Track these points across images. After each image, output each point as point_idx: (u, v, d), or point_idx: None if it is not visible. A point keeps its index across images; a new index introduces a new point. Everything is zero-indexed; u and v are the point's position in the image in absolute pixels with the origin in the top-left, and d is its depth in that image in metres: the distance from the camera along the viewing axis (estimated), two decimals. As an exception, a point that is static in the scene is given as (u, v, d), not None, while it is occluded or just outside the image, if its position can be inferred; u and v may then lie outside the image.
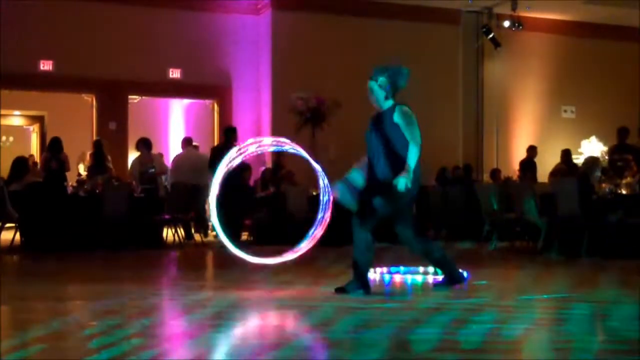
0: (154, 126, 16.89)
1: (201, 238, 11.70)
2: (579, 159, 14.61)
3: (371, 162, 5.52)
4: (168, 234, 11.31)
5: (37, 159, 14.76)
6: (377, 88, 5.50)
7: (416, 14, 14.94)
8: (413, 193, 5.42)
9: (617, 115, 14.41)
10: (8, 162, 11.14)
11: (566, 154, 12.88)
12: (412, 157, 5.28)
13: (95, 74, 13.58)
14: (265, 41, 14.44)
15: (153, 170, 11.38)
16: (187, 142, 12.55)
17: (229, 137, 11.00)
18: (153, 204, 10.95)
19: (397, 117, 5.42)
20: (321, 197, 5.82)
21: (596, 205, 8.90)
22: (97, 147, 11.65)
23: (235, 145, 5.56)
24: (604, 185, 9.31)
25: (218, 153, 11.32)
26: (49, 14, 13.34)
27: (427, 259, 5.90)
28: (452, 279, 5.75)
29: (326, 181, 5.78)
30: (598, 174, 9.24)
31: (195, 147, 12.94)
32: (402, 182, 5.17)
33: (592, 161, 9.51)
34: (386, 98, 5.51)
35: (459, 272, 5.84)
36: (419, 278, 6.59)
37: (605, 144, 14.23)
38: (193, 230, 11.81)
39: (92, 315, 4.76)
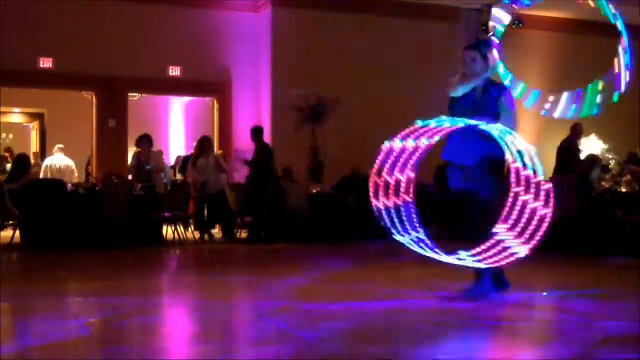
0: (154, 124, 16.89)
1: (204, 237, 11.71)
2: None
3: None
4: (168, 231, 11.32)
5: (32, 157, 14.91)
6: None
7: (416, 11, 14.92)
8: None
9: (617, 114, 14.37)
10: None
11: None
12: None
13: (95, 71, 13.57)
14: (265, 39, 14.43)
15: (150, 167, 11.39)
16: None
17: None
18: (152, 202, 10.95)
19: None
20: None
21: (596, 203, 8.90)
22: None
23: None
24: (604, 183, 9.31)
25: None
26: (49, 11, 13.31)
27: None
28: None
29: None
30: (598, 173, 9.22)
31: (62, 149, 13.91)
32: None
33: (592, 160, 9.49)
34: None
35: None
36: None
37: (605, 143, 14.22)
38: (192, 228, 11.81)
39: (92, 312, 4.77)
